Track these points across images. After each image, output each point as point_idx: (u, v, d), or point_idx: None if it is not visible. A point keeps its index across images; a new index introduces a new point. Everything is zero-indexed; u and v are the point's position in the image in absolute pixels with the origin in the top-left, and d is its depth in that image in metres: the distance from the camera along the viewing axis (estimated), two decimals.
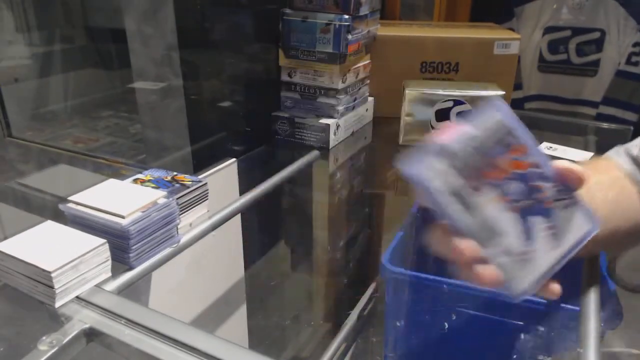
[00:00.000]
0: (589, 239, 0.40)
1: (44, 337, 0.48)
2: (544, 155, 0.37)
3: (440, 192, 0.33)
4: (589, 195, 0.43)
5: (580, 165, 0.39)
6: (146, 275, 0.61)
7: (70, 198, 0.62)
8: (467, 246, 0.35)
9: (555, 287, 0.41)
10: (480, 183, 0.34)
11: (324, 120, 1.10)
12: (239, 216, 0.87)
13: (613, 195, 0.48)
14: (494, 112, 0.35)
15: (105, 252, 0.56)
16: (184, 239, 0.67)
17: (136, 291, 0.62)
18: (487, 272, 0.36)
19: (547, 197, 0.37)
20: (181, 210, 0.66)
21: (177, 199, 0.65)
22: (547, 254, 0.38)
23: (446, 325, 0.63)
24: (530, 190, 0.36)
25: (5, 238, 0.56)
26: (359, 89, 1.19)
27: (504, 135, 0.35)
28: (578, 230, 0.39)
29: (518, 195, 0.36)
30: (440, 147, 0.33)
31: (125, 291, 0.57)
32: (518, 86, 1.57)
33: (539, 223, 0.37)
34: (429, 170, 0.32)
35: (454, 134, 0.33)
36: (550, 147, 1.00)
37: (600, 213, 0.43)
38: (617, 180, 0.50)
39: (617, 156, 0.53)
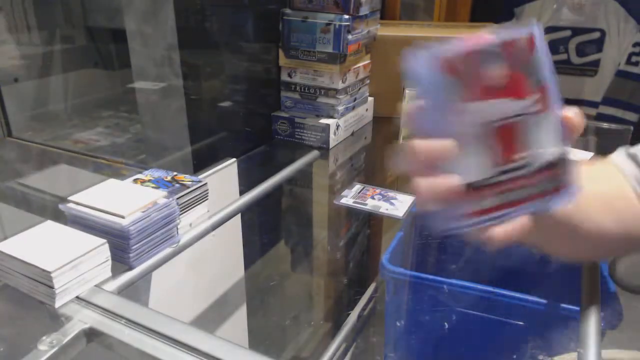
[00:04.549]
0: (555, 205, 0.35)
1: (44, 337, 0.48)
2: (559, 105, 0.33)
3: (432, 86, 0.31)
4: (589, 208, 0.41)
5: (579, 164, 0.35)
6: (146, 275, 0.61)
7: (70, 198, 0.62)
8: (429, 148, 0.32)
9: (498, 233, 0.34)
10: (475, 97, 0.31)
11: (324, 120, 1.10)
12: (239, 216, 0.87)
13: (614, 210, 0.45)
14: (528, 29, 0.32)
15: (105, 252, 0.56)
16: (184, 239, 0.67)
17: (136, 291, 0.62)
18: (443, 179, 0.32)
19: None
20: (181, 210, 0.66)
21: (177, 199, 0.65)
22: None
23: (446, 325, 0.63)
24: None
25: (5, 238, 0.56)
26: (359, 89, 1.19)
27: (525, 62, 0.32)
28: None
29: (500, 121, 0.32)
30: (449, 49, 0.31)
31: (125, 291, 0.57)
32: None
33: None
34: (430, 64, 0.32)
35: (473, 41, 0.31)
36: None
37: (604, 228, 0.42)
38: (619, 189, 0.47)
39: (620, 159, 0.50)
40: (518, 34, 0.31)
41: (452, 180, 0.32)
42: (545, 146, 0.32)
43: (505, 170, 0.32)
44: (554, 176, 0.33)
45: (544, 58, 0.32)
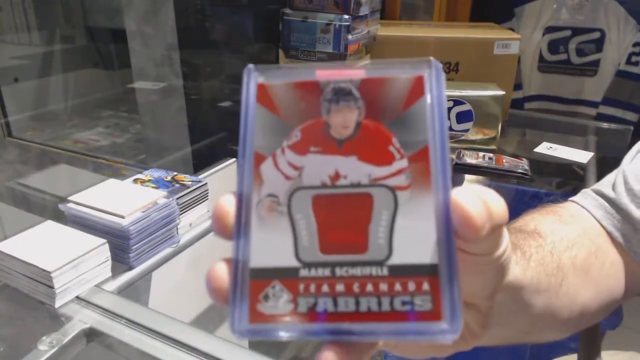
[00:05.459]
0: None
1: (44, 337, 0.48)
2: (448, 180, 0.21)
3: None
4: (552, 257, 0.33)
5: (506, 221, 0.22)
6: (146, 275, 0.61)
7: (70, 198, 0.62)
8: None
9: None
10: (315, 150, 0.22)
11: None
12: None
13: (582, 258, 0.36)
14: (419, 70, 0.23)
15: (105, 252, 0.56)
16: (184, 239, 0.67)
17: (136, 291, 0.62)
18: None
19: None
20: (181, 210, 0.66)
21: (177, 199, 0.65)
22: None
23: None
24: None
25: (5, 238, 0.56)
26: None
27: (396, 111, 0.22)
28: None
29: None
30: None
31: (125, 291, 0.57)
32: (518, 86, 1.57)
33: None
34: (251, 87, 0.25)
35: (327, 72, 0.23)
36: (550, 147, 1.00)
37: (569, 283, 0.34)
38: (587, 234, 0.38)
39: (585, 200, 0.41)
40: (399, 73, 0.22)
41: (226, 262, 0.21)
42: (406, 242, 0.21)
43: (340, 262, 0.21)
44: (419, 292, 0.21)
45: (434, 111, 0.22)
